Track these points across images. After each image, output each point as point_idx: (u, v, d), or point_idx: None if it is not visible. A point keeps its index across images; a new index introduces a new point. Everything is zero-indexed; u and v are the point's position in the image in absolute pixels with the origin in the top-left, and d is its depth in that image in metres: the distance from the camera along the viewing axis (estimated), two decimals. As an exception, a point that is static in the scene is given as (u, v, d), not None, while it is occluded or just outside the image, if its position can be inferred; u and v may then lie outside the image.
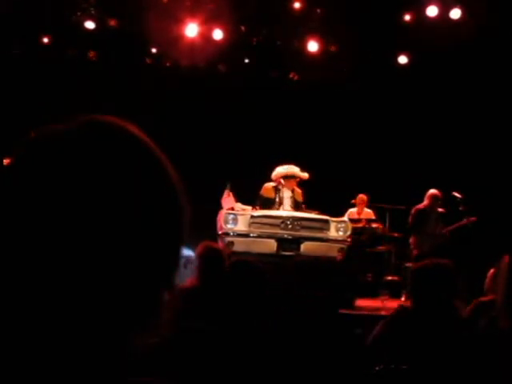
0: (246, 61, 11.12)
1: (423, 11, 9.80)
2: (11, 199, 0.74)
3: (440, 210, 8.80)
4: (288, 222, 7.85)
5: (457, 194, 8.71)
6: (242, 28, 10.37)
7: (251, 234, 7.78)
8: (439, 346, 3.39)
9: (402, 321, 3.58)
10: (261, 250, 7.60)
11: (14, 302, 0.72)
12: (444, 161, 10.55)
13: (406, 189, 9.21)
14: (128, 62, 10.57)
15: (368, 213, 9.94)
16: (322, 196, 9.30)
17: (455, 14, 9.68)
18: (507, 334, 3.61)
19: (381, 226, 9.54)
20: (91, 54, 10.71)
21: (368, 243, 9.56)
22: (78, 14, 9.94)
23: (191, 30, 9.99)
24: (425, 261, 3.87)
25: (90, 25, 10.03)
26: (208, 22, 10.02)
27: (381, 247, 9.59)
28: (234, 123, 11.01)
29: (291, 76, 11.43)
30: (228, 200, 8.14)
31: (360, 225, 9.50)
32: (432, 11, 9.70)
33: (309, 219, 8.06)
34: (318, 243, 7.93)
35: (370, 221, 9.65)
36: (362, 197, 9.92)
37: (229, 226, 7.73)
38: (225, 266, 4.09)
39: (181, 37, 10.08)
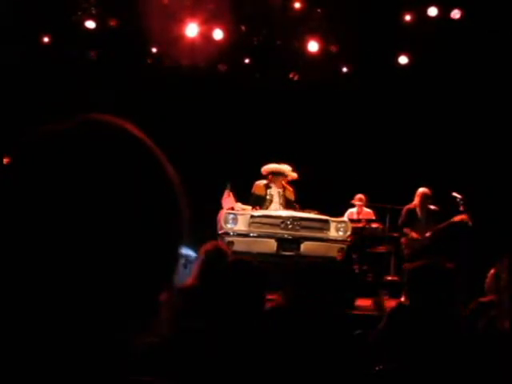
0: (246, 61, 11.12)
1: (424, 11, 9.80)
2: (10, 199, 0.74)
3: (432, 207, 8.76)
4: (288, 222, 7.86)
5: (456, 194, 8.70)
6: (243, 28, 10.37)
7: (251, 234, 7.78)
8: (437, 345, 3.39)
9: (400, 318, 3.58)
10: (261, 249, 7.61)
11: (13, 303, 0.72)
12: (444, 161, 10.55)
13: (406, 189, 9.20)
14: (128, 61, 10.56)
15: (368, 213, 9.94)
16: (321, 196, 9.31)
17: (455, 14, 9.68)
18: (507, 335, 3.61)
19: (381, 226, 9.54)
20: (91, 53, 10.71)
21: (368, 243, 9.56)
22: (79, 13, 9.94)
23: (191, 29, 9.99)
24: (419, 261, 3.88)
25: (90, 24, 10.03)
26: (208, 22, 10.02)
27: (381, 247, 9.58)
28: (234, 123, 11.01)
29: (291, 76, 11.42)
30: (228, 200, 8.14)
31: (360, 225, 9.50)
32: (432, 11, 9.70)
33: (309, 219, 8.07)
34: (318, 243, 7.94)
35: (369, 221, 9.65)
36: (360, 197, 9.92)
37: (229, 225, 7.74)
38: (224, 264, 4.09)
39: (181, 37, 10.08)
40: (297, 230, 7.88)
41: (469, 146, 10.57)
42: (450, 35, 9.76)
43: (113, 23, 10.12)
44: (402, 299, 8.09)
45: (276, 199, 8.41)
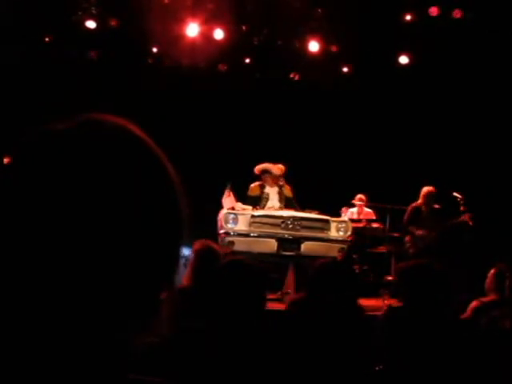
0: (247, 61, 11.12)
1: (424, 11, 9.80)
2: (11, 198, 0.74)
3: (436, 206, 8.77)
4: (288, 222, 7.86)
5: (457, 195, 8.71)
6: (243, 28, 10.38)
7: (251, 234, 7.78)
8: (433, 345, 3.39)
9: (392, 321, 3.58)
10: (261, 249, 7.61)
11: (13, 303, 0.72)
12: (445, 161, 10.55)
13: (406, 189, 9.20)
14: (129, 61, 10.56)
15: (368, 213, 9.94)
16: (322, 196, 9.30)
17: (456, 13, 9.67)
18: (508, 334, 3.61)
19: (381, 226, 9.54)
20: (92, 53, 10.71)
21: (368, 243, 9.56)
22: (79, 13, 9.93)
23: (192, 29, 9.99)
24: (409, 262, 3.89)
25: (90, 24, 10.02)
26: (209, 22, 10.02)
27: (381, 247, 9.59)
28: (234, 123, 11.01)
29: (292, 76, 11.43)
30: (228, 200, 8.14)
31: (360, 225, 9.51)
32: (433, 11, 9.70)
33: (309, 219, 8.07)
34: (319, 243, 7.94)
35: (370, 221, 9.65)
36: (360, 197, 9.92)
37: (229, 225, 7.74)
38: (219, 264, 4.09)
39: (181, 36, 10.09)
40: (297, 230, 7.88)
41: (470, 145, 10.58)
42: (451, 35, 9.75)
43: (113, 23, 10.12)
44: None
45: (272, 197, 8.42)
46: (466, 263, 7.56)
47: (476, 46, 9.71)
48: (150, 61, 10.96)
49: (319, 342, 2.96)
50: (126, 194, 0.75)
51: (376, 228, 9.59)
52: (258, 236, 7.80)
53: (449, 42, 9.85)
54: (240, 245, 7.63)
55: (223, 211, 7.98)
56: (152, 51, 10.78)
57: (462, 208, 8.64)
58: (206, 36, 10.16)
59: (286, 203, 8.42)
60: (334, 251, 7.93)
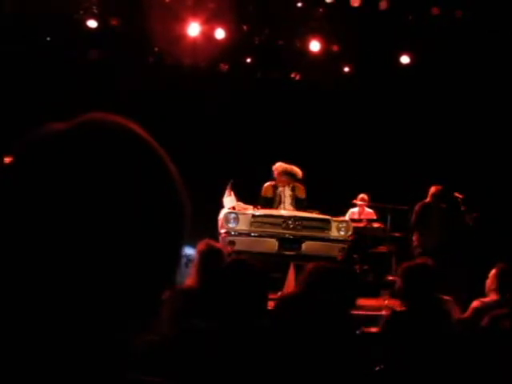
0: (248, 60, 11.12)
1: (425, 11, 9.79)
2: (12, 198, 0.74)
3: (443, 205, 8.75)
4: (289, 222, 7.86)
5: (458, 195, 8.70)
6: (244, 27, 10.38)
7: (252, 234, 7.78)
8: (437, 344, 3.39)
9: (396, 325, 3.58)
10: (262, 249, 7.61)
11: (14, 303, 0.72)
12: (446, 161, 10.55)
13: (407, 189, 9.20)
14: (130, 60, 10.56)
15: (369, 213, 9.94)
16: (323, 196, 9.30)
17: (457, 13, 9.67)
18: (508, 334, 3.61)
19: (382, 226, 9.53)
20: (93, 52, 10.71)
21: (369, 243, 9.55)
22: (81, 12, 9.94)
23: (193, 29, 9.99)
24: (412, 262, 3.88)
25: (92, 23, 10.03)
26: (210, 22, 10.02)
27: (382, 247, 9.58)
28: (235, 122, 11.01)
29: (293, 75, 11.43)
30: (229, 199, 8.14)
31: (361, 225, 9.50)
32: (435, 11, 9.69)
33: (310, 219, 8.06)
34: (319, 243, 7.94)
35: (371, 221, 9.65)
36: (362, 197, 9.91)
37: (230, 225, 7.74)
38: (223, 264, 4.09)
39: (183, 36, 10.09)
40: (298, 230, 7.88)
41: (471, 145, 10.57)
42: (452, 34, 9.75)
43: (114, 22, 10.12)
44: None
45: (285, 199, 8.40)
46: (468, 263, 7.56)
47: (477, 45, 9.71)
48: (151, 60, 10.96)
49: (308, 341, 2.96)
50: (128, 194, 0.75)
51: (377, 228, 9.59)
52: (259, 236, 7.80)
53: (450, 42, 9.84)
54: (241, 244, 7.63)
55: (224, 211, 7.97)
56: (153, 51, 10.78)
57: (462, 208, 8.64)
58: (207, 35, 10.16)
59: (298, 205, 8.40)
60: (334, 251, 7.93)
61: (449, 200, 8.76)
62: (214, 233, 7.84)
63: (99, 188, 0.74)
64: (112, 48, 10.57)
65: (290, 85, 11.31)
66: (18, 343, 0.72)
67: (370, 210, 9.95)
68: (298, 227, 7.89)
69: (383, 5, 9.68)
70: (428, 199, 8.78)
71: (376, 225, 9.62)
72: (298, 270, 7.36)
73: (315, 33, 10.34)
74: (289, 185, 8.43)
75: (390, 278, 9.12)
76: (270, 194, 8.41)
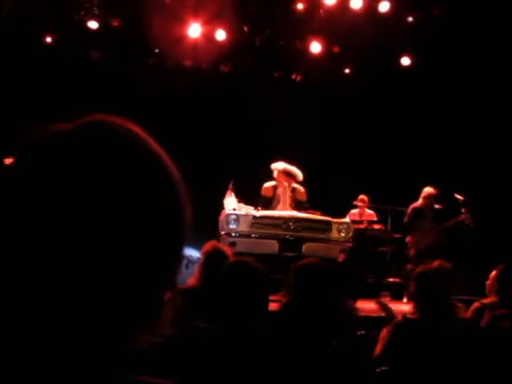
0: (249, 61, 11.12)
1: (426, 12, 9.79)
2: (14, 198, 0.74)
3: (437, 206, 8.75)
4: (290, 223, 7.85)
5: (459, 196, 8.70)
6: (245, 28, 10.38)
7: (253, 235, 7.78)
8: (444, 348, 3.38)
9: (406, 330, 3.56)
10: (262, 250, 7.60)
11: (15, 303, 0.72)
12: (446, 162, 10.54)
13: (408, 190, 9.20)
14: (131, 62, 10.57)
15: (370, 214, 9.93)
16: (323, 197, 9.30)
17: (458, 15, 9.67)
18: (508, 335, 3.60)
19: (383, 228, 9.53)
20: (94, 53, 10.72)
21: (370, 244, 9.55)
22: (81, 13, 9.94)
23: (194, 30, 10.00)
24: (426, 264, 3.85)
25: (93, 24, 10.03)
26: (211, 23, 10.02)
27: (382, 248, 9.58)
28: (236, 123, 11.01)
29: (294, 77, 11.43)
30: (230, 200, 8.14)
31: (362, 226, 9.50)
32: (435, 12, 9.69)
33: (311, 220, 8.06)
34: (320, 244, 7.93)
35: (371, 222, 9.64)
36: (363, 198, 9.91)
37: (231, 226, 7.74)
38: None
39: (183, 37, 10.09)
40: (299, 231, 7.87)
41: (471, 146, 10.57)
42: (453, 36, 9.75)
43: (115, 23, 10.13)
44: (404, 300, 8.11)
45: (284, 199, 8.40)
46: (467, 264, 7.55)
47: (478, 47, 9.71)
48: (151, 61, 10.96)
49: (316, 341, 2.95)
50: (129, 195, 0.76)
51: (377, 229, 9.58)
52: (260, 237, 7.79)
53: (450, 44, 9.85)
54: (241, 246, 7.62)
55: (225, 212, 7.97)
56: (154, 52, 10.78)
57: (463, 209, 8.63)
58: (208, 37, 10.17)
59: (298, 206, 8.40)
60: (335, 252, 7.92)
61: (447, 201, 8.76)
62: (214, 234, 7.84)
63: (101, 189, 0.74)
64: (113, 49, 10.57)
65: (291, 86, 11.31)
66: (19, 343, 0.73)
67: (371, 212, 9.94)
68: (299, 228, 7.89)
69: (384, 6, 9.68)
70: (420, 201, 8.79)
71: (376, 226, 9.62)
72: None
73: (316, 34, 10.34)
74: (289, 186, 8.43)
75: (391, 279, 9.13)
76: (269, 194, 8.41)
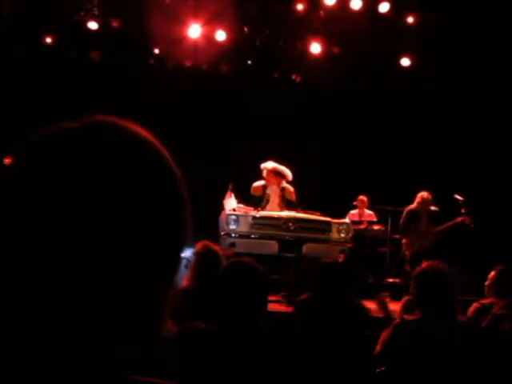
0: (249, 62, 11.12)
1: (426, 13, 9.80)
2: (13, 197, 0.74)
3: (433, 208, 8.75)
4: (290, 224, 7.85)
5: (458, 197, 8.70)
6: (245, 29, 10.38)
7: (253, 236, 7.77)
8: (444, 348, 3.38)
9: (407, 331, 3.56)
10: (262, 251, 7.59)
11: (14, 303, 0.73)
12: (446, 163, 10.55)
13: (407, 191, 9.20)
14: (131, 62, 10.57)
15: (369, 214, 9.93)
16: (323, 198, 9.30)
17: (458, 16, 9.67)
18: (508, 336, 3.61)
19: (382, 228, 9.53)
20: (94, 54, 10.72)
21: (369, 245, 9.55)
22: (81, 14, 9.94)
23: (194, 30, 10.00)
24: (423, 264, 3.85)
25: (93, 25, 10.03)
26: (211, 23, 10.02)
27: (382, 249, 9.58)
28: (236, 124, 11.01)
29: (294, 77, 11.43)
30: (230, 201, 8.13)
31: (362, 227, 9.50)
32: (435, 13, 9.70)
33: (310, 221, 8.05)
34: (320, 245, 7.92)
35: (371, 222, 9.65)
36: (362, 198, 9.91)
37: (230, 227, 7.73)
38: (221, 266, 4.11)
39: (184, 38, 10.09)
40: (298, 232, 7.86)
41: (471, 147, 10.57)
42: (453, 37, 9.75)
43: (115, 24, 10.13)
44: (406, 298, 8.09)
45: (273, 199, 8.39)
46: (465, 265, 7.55)
47: (478, 48, 9.71)
48: (151, 62, 10.97)
49: (326, 342, 2.96)
50: (130, 195, 0.76)
51: (377, 230, 9.59)
52: (259, 237, 7.79)
53: (450, 44, 9.85)
54: (241, 246, 7.62)
55: (225, 212, 7.97)
56: (154, 52, 10.79)
57: (463, 210, 8.63)
58: (208, 37, 10.17)
59: (288, 205, 8.40)
60: (335, 253, 7.92)
61: (447, 202, 8.76)
62: (214, 235, 7.84)
63: (102, 189, 0.74)
64: (113, 49, 10.57)
65: (291, 86, 11.31)
66: (19, 343, 0.73)
67: (370, 212, 9.95)
68: (299, 229, 7.88)
69: (384, 7, 9.69)
70: (414, 205, 8.79)
71: (376, 227, 9.63)
72: (299, 271, 7.37)
73: (316, 35, 10.35)
74: (278, 185, 8.42)
75: (390, 279, 9.13)
76: (258, 193, 8.40)
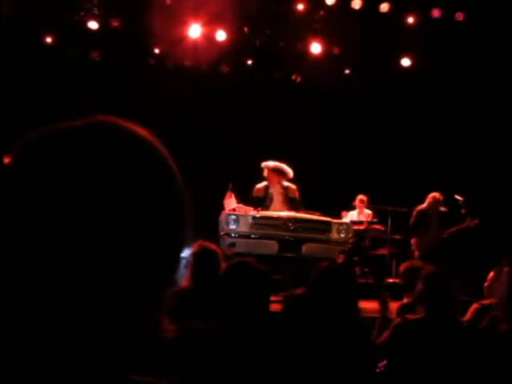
0: (249, 62, 11.12)
1: (427, 13, 9.80)
2: (14, 198, 0.74)
3: (443, 209, 8.76)
4: (290, 224, 7.85)
5: (459, 197, 8.70)
6: (245, 29, 10.38)
7: (253, 236, 7.77)
8: (444, 349, 3.39)
9: (406, 331, 3.56)
10: (262, 251, 7.58)
11: (14, 303, 0.73)
12: (446, 163, 10.54)
13: (407, 191, 9.20)
14: (131, 62, 10.57)
15: (368, 214, 9.93)
16: (323, 197, 9.30)
17: (459, 16, 9.67)
18: (507, 336, 3.60)
19: (382, 228, 9.53)
20: (94, 54, 10.72)
21: (369, 245, 9.55)
22: (81, 13, 9.94)
23: (194, 30, 9.99)
24: (430, 267, 3.86)
25: (93, 25, 10.03)
26: (211, 23, 10.02)
27: (382, 249, 9.58)
28: (236, 124, 11.01)
29: (294, 78, 11.43)
30: (230, 201, 8.13)
31: (362, 227, 9.50)
32: (436, 14, 9.70)
33: (310, 221, 8.05)
34: (320, 245, 7.92)
35: (371, 223, 9.64)
36: (361, 198, 9.91)
37: (230, 227, 7.73)
38: (219, 266, 4.11)
39: (184, 37, 10.09)
40: (298, 232, 7.86)
41: (471, 148, 10.57)
42: (453, 37, 9.75)
43: (115, 24, 10.12)
44: (405, 301, 8.10)
45: (276, 198, 8.40)
46: (467, 266, 7.55)
47: (478, 48, 9.71)
48: (151, 62, 10.96)
49: (317, 340, 2.95)
50: (130, 194, 0.76)
51: (377, 230, 9.59)
52: (259, 237, 7.78)
53: (451, 45, 9.85)
54: (241, 246, 7.61)
55: (224, 212, 7.97)
56: (154, 52, 10.78)
57: (463, 210, 8.64)
58: (208, 37, 10.16)
59: (291, 204, 8.39)
60: (335, 253, 7.91)
61: (447, 203, 8.77)
62: (214, 235, 7.83)
63: (102, 188, 0.74)
64: (113, 49, 10.57)
65: (291, 87, 11.31)
66: (19, 343, 0.73)
67: (369, 212, 9.94)
68: (299, 229, 7.88)
69: (384, 7, 9.69)
70: (425, 205, 8.80)
71: (376, 227, 9.62)
72: (299, 272, 7.37)
73: (316, 35, 10.34)
74: (279, 183, 8.43)
75: (391, 280, 9.13)
76: (262, 194, 8.41)
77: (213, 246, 4.61)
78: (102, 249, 0.73)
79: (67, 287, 0.72)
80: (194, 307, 3.46)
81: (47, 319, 0.72)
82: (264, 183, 8.50)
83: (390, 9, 9.70)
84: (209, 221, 8.05)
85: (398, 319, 3.79)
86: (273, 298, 3.48)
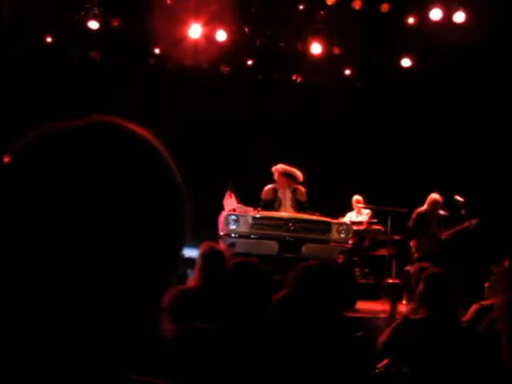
0: (249, 62, 11.12)
1: (427, 14, 9.79)
2: (13, 197, 0.74)
3: (442, 212, 8.78)
4: (290, 224, 7.85)
5: (458, 198, 8.70)
6: (246, 29, 10.37)
7: (252, 236, 7.77)
8: (445, 350, 3.39)
9: (408, 331, 3.56)
10: (262, 251, 7.59)
11: (14, 302, 0.73)
12: (446, 164, 10.54)
13: (407, 191, 9.20)
14: (131, 62, 10.57)
15: (366, 213, 9.92)
16: (323, 198, 9.30)
17: (459, 17, 9.67)
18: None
19: (382, 229, 9.52)
20: (94, 54, 10.72)
21: (369, 246, 9.54)
22: (82, 13, 9.94)
23: (195, 30, 9.99)
24: (432, 268, 3.87)
25: (93, 25, 10.02)
26: (211, 23, 10.01)
27: (382, 250, 9.57)
28: (236, 124, 11.01)
29: (294, 78, 11.43)
30: (230, 201, 8.14)
31: (362, 227, 9.49)
32: (436, 14, 9.69)
33: (310, 221, 8.06)
34: (320, 245, 7.93)
35: (371, 223, 9.64)
36: (357, 199, 9.92)
37: (230, 227, 7.73)
38: (226, 266, 4.11)
39: (184, 38, 10.09)
40: (298, 232, 7.87)
41: (471, 148, 10.57)
42: (453, 38, 9.75)
43: (116, 24, 10.12)
44: (404, 302, 8.11)
45: (285, 201, 8.40)
46: (467, 266, 7.56)
47: (478, 48, 9.71)
48: (152, 62, 10.96)
49: (302, 341, 2.95)
50: (130, 194, 0.76)
51: (377, 230, 9.58)
52: (259, 238, 7.79)
53: (451, 45, 9.84)
54: (241, 246, 7.62)
55: (224, 213, 7.97)
56: (154, 52, 10.78)
57: (463, 211, 8.64)
58: (209, 37, 10.16)
59: (299, 207, 8.40)
60: (334, 253, 7.92)
61: (447, 203, 8.77)
62: (214, 235, 7.84)
63: (102, 188, 0.74)
64: (113, 49, 10.57)
65: (291, 87, 11.31)
66: (19, 343, 0.73)
67: (367, 210, 9.94)
68: (299, 229, 7.88)
69: (385, 7, 9.68)
70: (425, 207, 8.81)
71: (376, 227, 9.62)
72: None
73: (317, 35, 10.34)
74: (289, 187, 8.43)
75: (390, 280, 9.12)
76: (270, 197, 8.41)
77: (221, 247, 4.66)
78: (101, 249, 0.73)
79: (67, 287, 0.72)
80: (203, 307, 3.46)
81: (47, 319, 0.72)
82: (272, 185, 8.50)
83: (390, 9, 9.70)
84: (209, 221, 8.06)
85: (399, 319, 3.80)
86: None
